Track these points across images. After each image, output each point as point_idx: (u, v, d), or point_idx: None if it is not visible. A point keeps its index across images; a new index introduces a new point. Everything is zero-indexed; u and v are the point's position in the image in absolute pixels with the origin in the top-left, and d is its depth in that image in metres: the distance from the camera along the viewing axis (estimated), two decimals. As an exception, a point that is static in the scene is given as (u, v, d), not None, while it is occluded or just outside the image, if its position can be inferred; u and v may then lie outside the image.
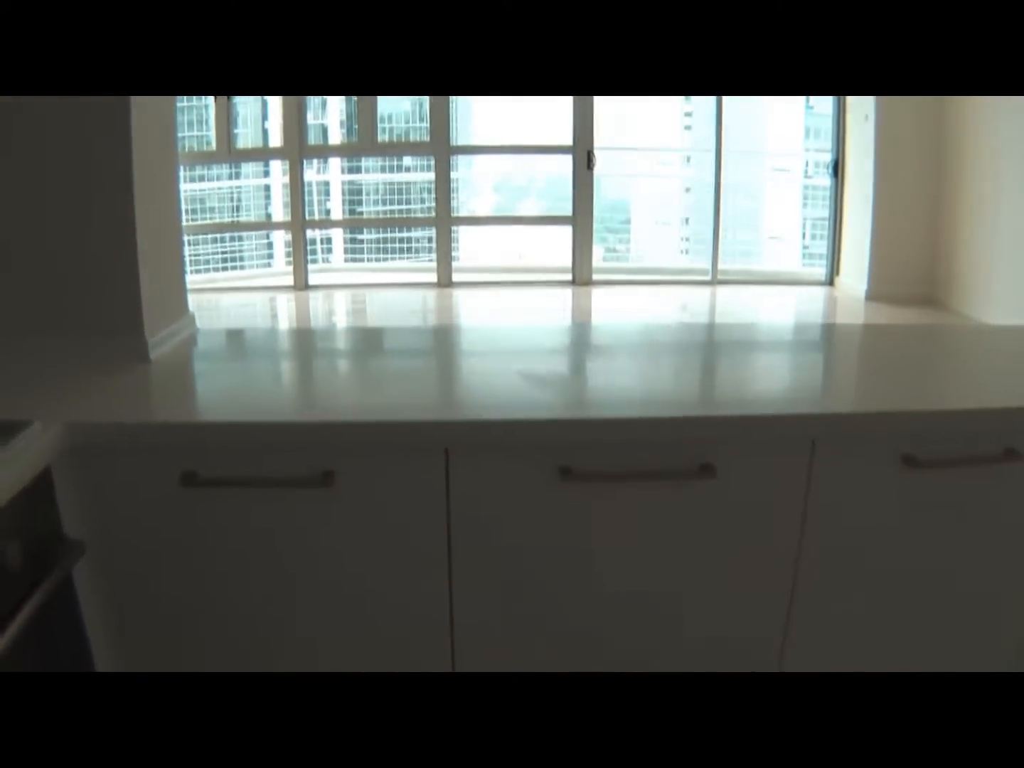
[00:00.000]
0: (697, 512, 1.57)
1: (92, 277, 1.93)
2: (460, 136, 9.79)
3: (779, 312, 7.35)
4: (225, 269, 8.74)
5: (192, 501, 1.51)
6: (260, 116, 9.86)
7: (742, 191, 9.94)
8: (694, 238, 9.75)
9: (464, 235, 9.68)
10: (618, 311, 6.91)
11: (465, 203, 10.74)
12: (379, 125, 7.55)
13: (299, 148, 7.27)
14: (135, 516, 1.53)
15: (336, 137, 9.85)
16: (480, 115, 11.86)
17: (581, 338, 2.22)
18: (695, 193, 9.72)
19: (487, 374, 1.82)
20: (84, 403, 1.61)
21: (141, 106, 1.86)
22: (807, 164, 9.61)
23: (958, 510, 1.64)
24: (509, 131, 11.85)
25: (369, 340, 2.21)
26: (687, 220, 10.44)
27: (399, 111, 10.68)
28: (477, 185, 11.13)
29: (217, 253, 8.70)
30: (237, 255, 8.91)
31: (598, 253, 9.06)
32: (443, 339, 2.29)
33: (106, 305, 1.93)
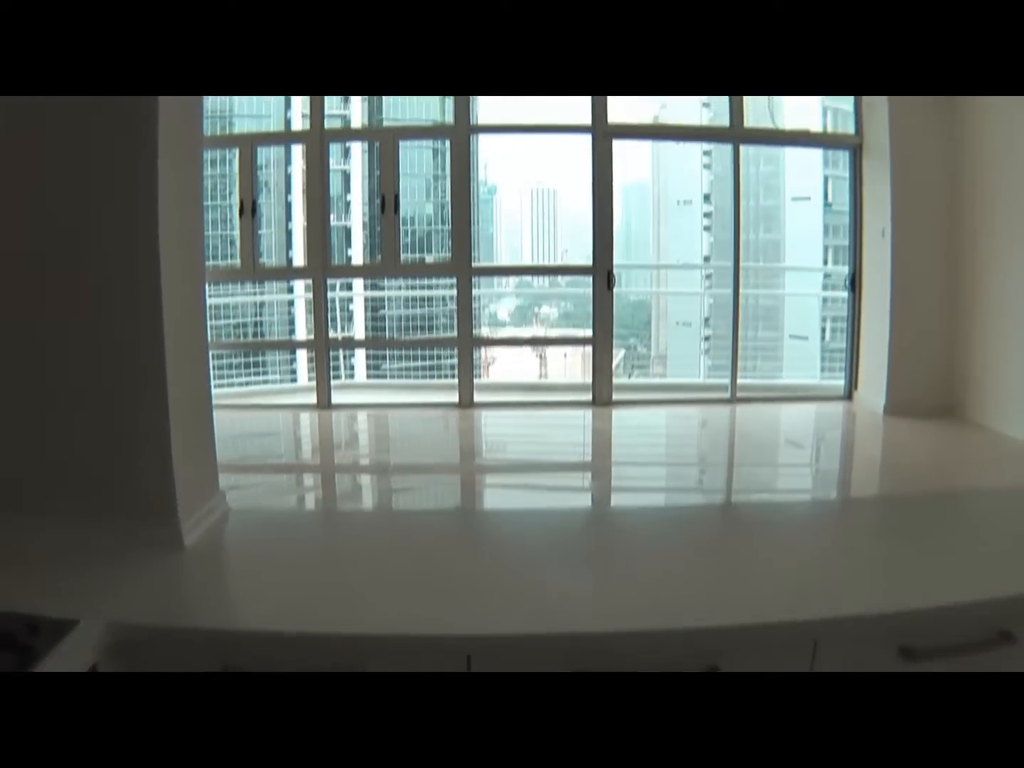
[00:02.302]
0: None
1: (124, 458, 1.98)
2: (481, 231, 9.95)
3: (798, 431, 7.38)
4: (249, 374, 8.85)
5: (227, 698, 1.59)
6: (284, 219, 10.17)
7: (763, 290, 10.13)
8: (715, 336, 9.87)
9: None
10: (639, 436, 6.99)
11: (486, 307, 10.89)
12: (401, 228, 7.54)
13: (322, 268, 7.36)
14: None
15: (359, 238, 10.09)
16: (503, 229, 12.17)
17: (598, 528, 2.37)
18: (715, 290, 9.88)
19: (507, 574, 1.90)
20: (124, 598, 1.71)
21: (170, 275, 1.94)
22: (826, 261, 9.75)
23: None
24: (528, 240, 12.15)
25: (395, 528, 2.33)
26: (707, 320, 10.61)
27: (421, 214, 10.94)
28: (498, 289, 11.36)
29: (239, 361, 8.78)
30: (260, 366, 9.01)
31: (619, 355, 9.11)
32: (466, 527, 2.45)
33: (139, 487, 1.98)
